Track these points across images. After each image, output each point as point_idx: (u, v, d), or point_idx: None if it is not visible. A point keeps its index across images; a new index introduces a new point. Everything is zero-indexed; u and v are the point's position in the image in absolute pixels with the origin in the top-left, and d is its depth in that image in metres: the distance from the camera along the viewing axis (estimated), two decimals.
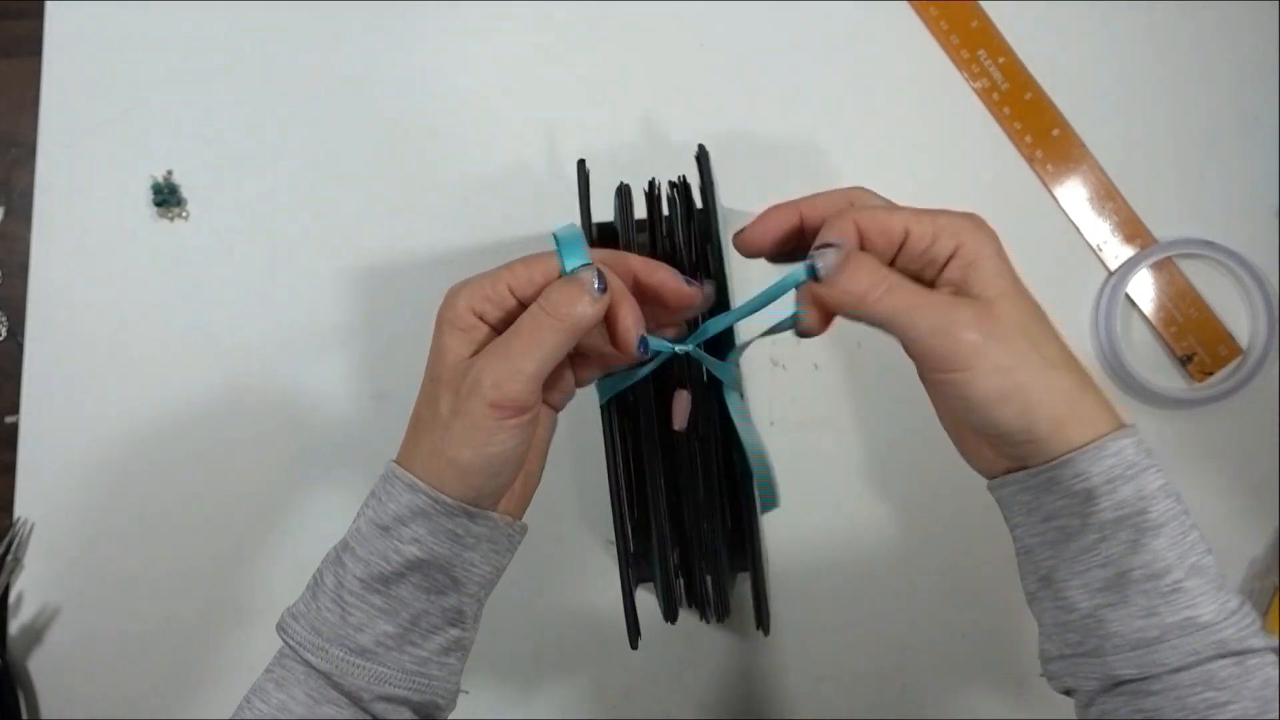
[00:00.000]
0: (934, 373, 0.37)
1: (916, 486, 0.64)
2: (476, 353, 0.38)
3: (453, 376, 0.38)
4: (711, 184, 0.47)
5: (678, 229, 0.47)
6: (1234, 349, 0.65)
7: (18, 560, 0.63)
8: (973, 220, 0.38)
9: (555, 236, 0.39)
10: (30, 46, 0.66)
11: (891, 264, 0.38)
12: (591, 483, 0.64)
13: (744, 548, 0.47)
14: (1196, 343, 0.65)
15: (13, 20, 0.67)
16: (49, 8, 0.67)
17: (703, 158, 0.48)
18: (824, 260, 0.37)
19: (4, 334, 0.65)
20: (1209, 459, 0.65)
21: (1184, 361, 0.65)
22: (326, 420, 0.64)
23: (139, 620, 0.63)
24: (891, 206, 0.39)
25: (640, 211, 0.49)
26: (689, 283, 0.41)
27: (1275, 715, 0.34)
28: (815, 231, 0.39)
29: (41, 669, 0.63)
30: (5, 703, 0.61)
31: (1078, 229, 0.66)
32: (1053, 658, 0.39)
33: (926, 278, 0.38)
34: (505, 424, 0.37)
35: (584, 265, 0.38)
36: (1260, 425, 0.65)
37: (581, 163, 0.49)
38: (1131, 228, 0.66)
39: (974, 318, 0.36)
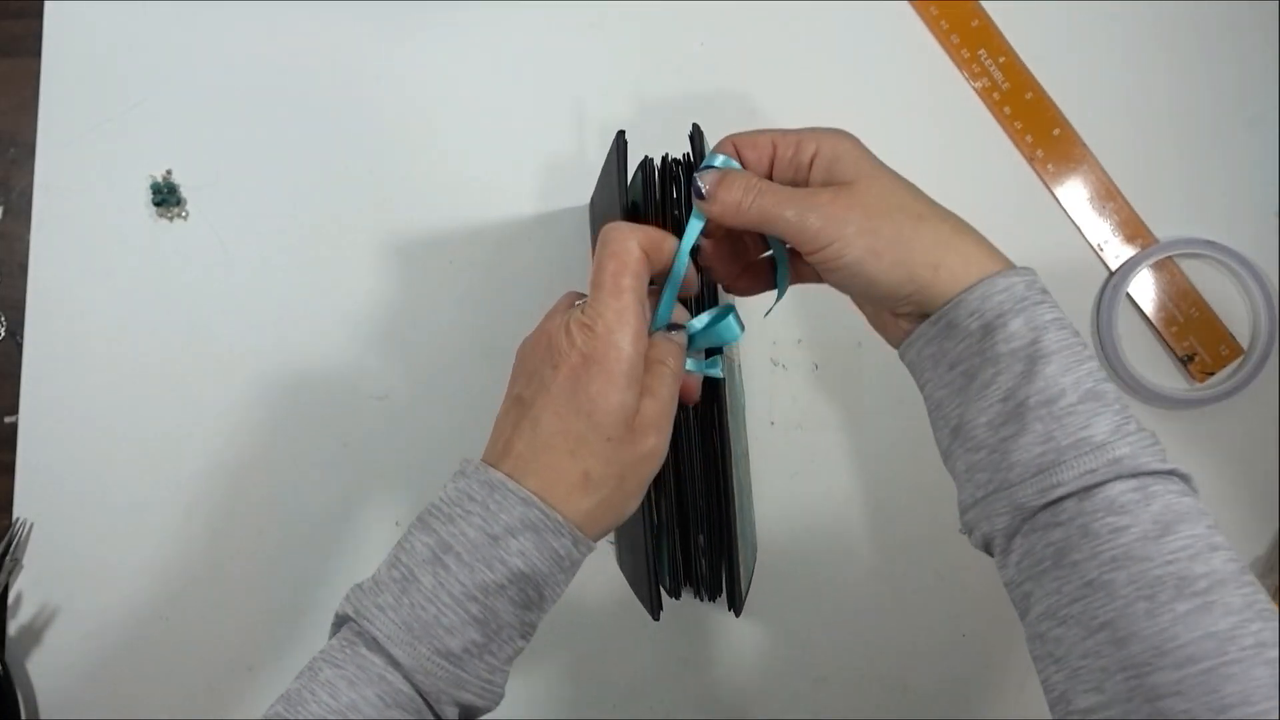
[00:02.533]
0: (813, 255, 0.40)
1: (917, 486, 0.64)
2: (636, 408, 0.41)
3: (632, 438, 0.40)
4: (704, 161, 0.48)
5: (684, 205, 0.49)
6: (1235, 349, 0.65)
7: (17, 560, 0.63)
8: (831, 129, 0.42)
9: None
10: (30, 46, 0.66)
11: (769, 177, 0.42)
12: None
13: (722, 529, 0.48)
14: (1197, 343, 0.65)
15: (12, 20, 0.67)
16: (49, 8, 0.67)
17: (696, 136, 0.48)
18: (703, 179, 0.42)
19: (4, 334, 0.65)
20: (1209, 459, 0.65)
21: (1185, 361, 0.65)
22: (327, 420, 0.64)
23: (139, 620, 0.63)
24: (761, 129, 0.43)
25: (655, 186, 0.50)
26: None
27: (1173, 538, 0.34)
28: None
29: (41, 669, 0.63)
30: (5, 703, 0.61)
31: (1078, 229, 0.66)
32: (968, 506, 0.40)
33: (800, 181, 0.42)
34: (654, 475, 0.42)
35: (680, 329, 0.44)
36: (1261, 425, 0.65)
37: (621, 134, 0.49)
38: (1132, 227, 0.66)
39: (833, 195, 0.39)
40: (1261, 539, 0.64)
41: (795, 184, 0.42)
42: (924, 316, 0.40)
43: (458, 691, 0.39)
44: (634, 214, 0.49)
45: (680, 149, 0.49)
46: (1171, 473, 0.36)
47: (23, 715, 0.62)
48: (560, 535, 0.39)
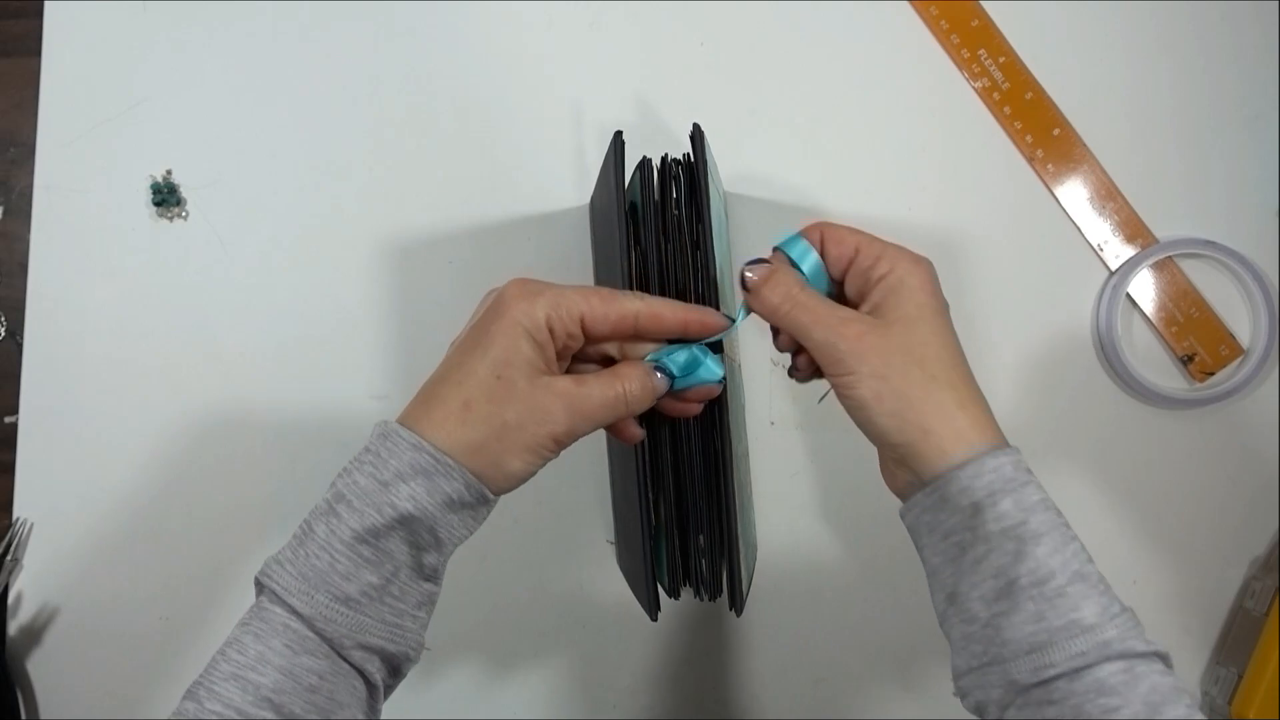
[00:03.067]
0: (829, 378, 0.43)
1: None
2: (544, 369, 0.41)
3: (526, 390, 0.41)
4: (705, 163, 0.48)
5: (683, 205, 0.49)
6: (1235, 349, 0.65)
7: (17, 560, 0.63)
8: (915, 256, 0.43)
9: (663, 360, 0.44)
10: (30, 46, 0.66)
11: (842, 280, 0.44)
12: (590, 485, 0.64)
13: (723, 530, 0.48)
14: (1197, 343, 0.65)
15: (12, 20, 0.67)
16: (48, 8, 0.67)
17: (697, 137, 0.48)
18: (751, 273, 0.44)
19: (4, 334, 0.65)
20: (1209, 459, 0.65)
21: (1185, 361, 0.65)
22: (326, 420, 0.64)
23: (139, 620, 0.63)
24: (854, 229, 0.44)
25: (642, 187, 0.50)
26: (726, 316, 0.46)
27: (1164, 717, 0.36)
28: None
29: (41, 669, 0.63)
30: (5, 703, 0.61)
31: (1078, 229, 0.66)
32: (962, 673, 0.41)
33: (863, 295, 0.44)
34: (552, 456, 0.42)
35: (665, 375, 0.44)
36: (1260, 425, 0.65)
37: (618, 135, 0.49)
38: (1132, 227, 0.66)
39: (864, 330, 0.41)
40: (1261, 539, 0.64)
41: (862, 293, 0.44)
42: (914, 473, 0.42)
43: (361, 635, 0.40)
44: (632, 215, 0.49)
45: (681, 149, 0.49)
46: (1154, 654, 0.38)
47: (23, 715, 0.62)
48: (451, 478, 0.40)
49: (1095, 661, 0.37)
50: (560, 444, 0.42)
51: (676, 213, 0.49)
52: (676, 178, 0.49)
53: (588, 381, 0.42)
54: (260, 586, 0.41)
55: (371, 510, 0.40)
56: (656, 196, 0.49)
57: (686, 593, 0.51)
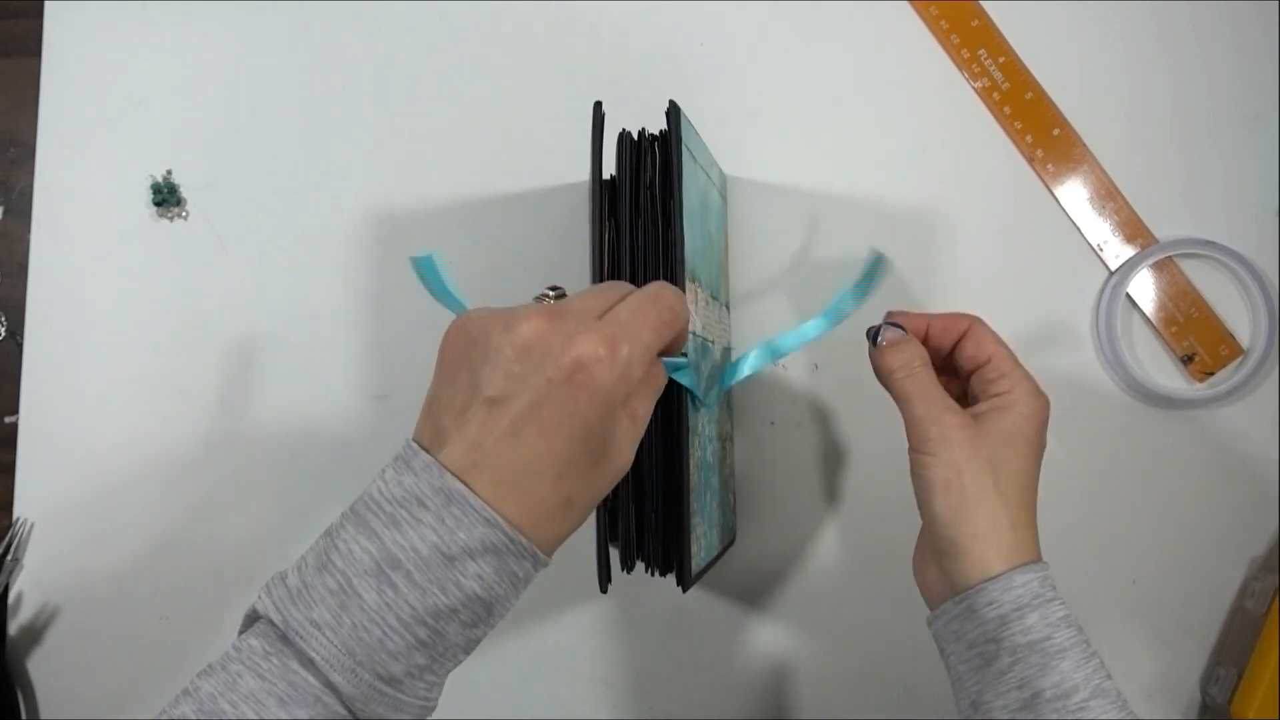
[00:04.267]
0: (911, 450, 0.45)
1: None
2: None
3: (615, 460, 0.39)
4: (680, 140, 0.48)
5: (656, 184, 0.49)
6: (1235, 349, 0.65)
7: (17, 560, 0.63)
8: (1037, 390, 0.47)
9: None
10: (30, 46, 0.66)
11: (966, 377, 0.49)
12: None
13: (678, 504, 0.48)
14: (1197, 343, 0.65)
15: (12, 20, 0.67)
16: (49, 8, 0.67)
17: (672, 113, 0.48)
18: (885, 334, 0.48)
19: (4, 334, 0.65)
20: (1209, 459, 0.65)
21: (1185, 361, 0.65)
22: (327, 421, 0.64)
23: (139, 620, 0.63)
24: (999, 339, 0.49)
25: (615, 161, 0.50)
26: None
27: None
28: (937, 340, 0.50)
29: (41, 669, 0.63)
30: (5, 703, 0.61)
31: (1078, 229, 0.66)
32: None
33: (974, 399, 0.48)
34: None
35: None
36: (1260, 425, 0.65)
37: (598, 105, 0.49)
38: (1132, 227, 0.66)
39: (959, 424, 0.44)
40: (1261, 539, 0.64)
41: (975, 398, 0.47)
42: (948, 575, 0.44)
43: (394, 713, 0.36)
44: (612, 188, 0.49)
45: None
46: None
47: (23, 715, 0.62)
48: (523, 559, 0.36)
49: None
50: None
51: (649, 189, 0.49)
52: (651, 151, 0.49)
53: (636, 411, 0.40)
54: (274, 629, 0.36)
55: (434, 589, 0.35)
56: (632, 170, 0.49)
57: (691, 586, 0.51)
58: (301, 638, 0.35)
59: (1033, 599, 0.42)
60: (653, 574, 0.50)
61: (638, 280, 0.48)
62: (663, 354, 0.42)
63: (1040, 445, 0.46)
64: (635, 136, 0.50)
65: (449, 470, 0.36)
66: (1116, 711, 0.40)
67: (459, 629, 0.36)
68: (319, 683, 0.35)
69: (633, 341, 0.37)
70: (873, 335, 0.49)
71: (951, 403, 0.46)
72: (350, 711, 0.35)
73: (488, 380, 0.36)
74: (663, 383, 0.42)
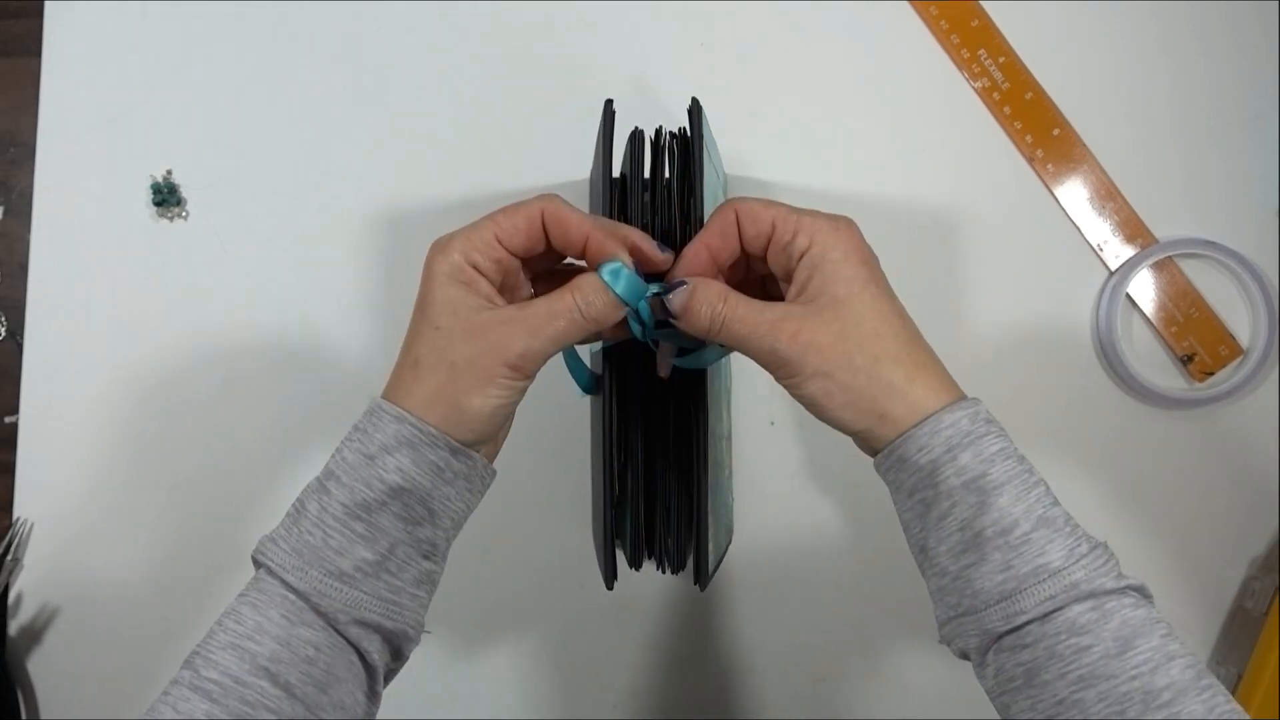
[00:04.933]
0: (777, 381, 0.42)
1: None
2: (482, 304, 0.41)
3: (468, 327, 0.41)
4: (701, 139, 0.48)
5: (674, 181, 0.49)
6: (1234, 349, 0.65)
7: (18, 560, 0.63)
8: (833, 222, 0.42)
9: (607, 267, 0.42)
10: (30, 46, 0.66)
11: (764, 256, 0.43)
12: (582, 483, 0.64)
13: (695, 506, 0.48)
14: (1197, 343, 0.65)
15: (12, 20, 0.67)
16: (49, 8, 0.67)
17: (695, 111, 0.48)
18: (673, 300, 0.43)
19: (4, 334, 0.65)
20: (1209, 459, 0.65)
21: (1184, 361, 0.65)
22: (327, 420, 0.64)
23: (139, 620, 0.63)
24: (768, 202, 0.43)
25: (645, 159, 0.50)
26: (661, 249, 0.44)
27: (1133, 653, 0.36)
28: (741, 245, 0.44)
29: (41, 669, 0.63)
30: (5, 703, 0.61)
31: (1078, 229, 0.66)
32: (942, 623, 0.42)
33: (788, 272, 0.42)
34: (516, 384, 0.41)
35: (616, 268, 0.42)
36: (1260, 425, 0.65)
37: (609, 103, 0.49)
38: (1132, 227, 0.66)
39: (795, 329, 0.40)
40: (1261, 539, 0.64)
41: (786, 271, 0.42)
42: (880, 446, 0.42)
43: (356, 611, 0.40)
44: (623, 186, 0.50)
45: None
46: (1125, 589, 0.38)
47: (23, 715, 0.62)
48: (436, 447, 0.40)
49: (1064, 603, 0.37)
50: (519, 368, 0.41)
51: (666, 186, 0.49)
52: (670, 150, 0.49)
53: (535, 301, 0.42)
54: (256, 563, 0.41)
55: (360, 485, 0.40)
56: (648, 168, 0.49)
57: (649, 564, 0.51)
58: (263, 553, 0.41)
59: (963, 437, 0.39)
60: (664, 571, 0.50)
61: (661, 275, 0.47)
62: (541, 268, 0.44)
63: (874, 273, 0.41)
64: (652, 135, 0.50)
65: (384, 395, 0.42)
66: (1063, 539, 0.38)
67: (395, 522, 0.40)
68: (280, 585, 0.40)
69: (456, 232, 0.42)
70: (663, 309, 0.43)
71: (776, 310, 0.41)
72: (313, 608, 0.40)
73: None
74: (586, 298, 0.41)
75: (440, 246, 0.42)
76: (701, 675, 0.64)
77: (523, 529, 0.64)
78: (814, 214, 0.42)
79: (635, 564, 0.51)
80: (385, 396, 0.42)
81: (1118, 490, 0.64)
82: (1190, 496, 0.64)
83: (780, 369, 0.41)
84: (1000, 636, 0.39)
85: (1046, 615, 0.37)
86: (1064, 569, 0.38)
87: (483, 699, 0.64)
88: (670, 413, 0.49)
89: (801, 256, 0.41)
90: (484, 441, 0.43)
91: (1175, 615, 0.64)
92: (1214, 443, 0.65)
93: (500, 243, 0.42)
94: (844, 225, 0.42)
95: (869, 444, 0.42)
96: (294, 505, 0.42)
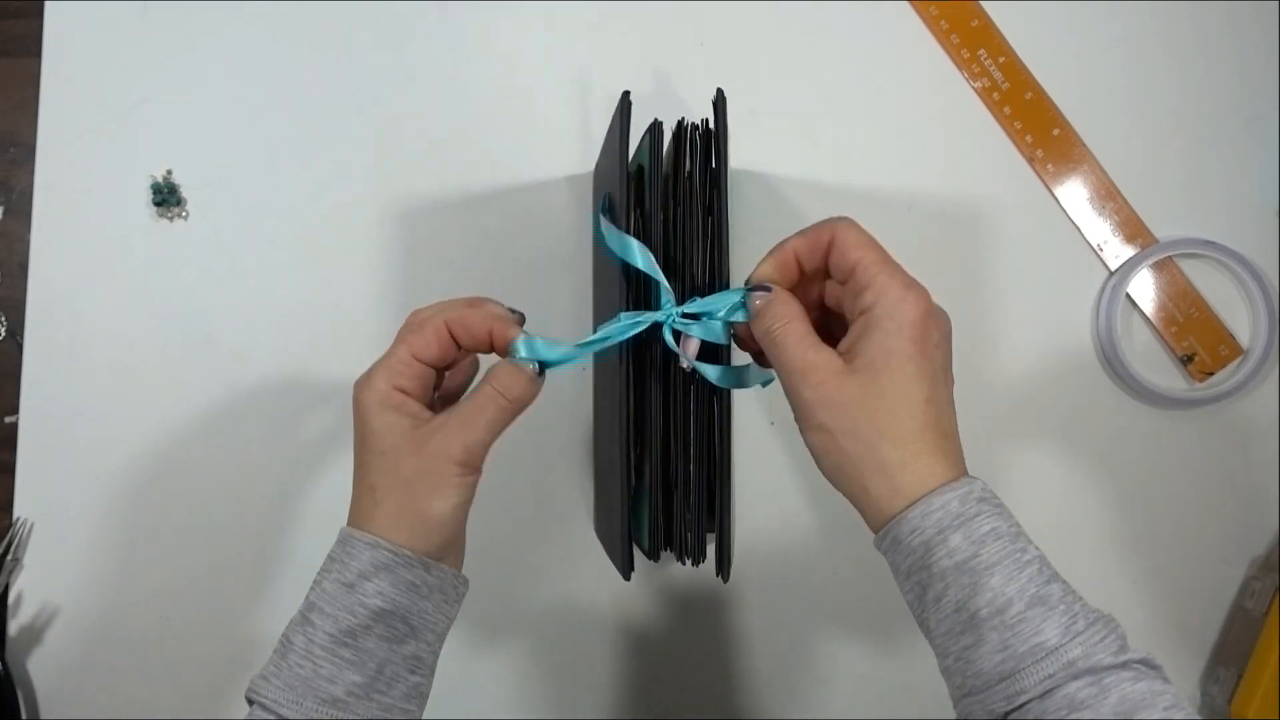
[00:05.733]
0: (794, 417, 0.43)
1: None
2: (416, 420, 0.44)
3: (410, 444, 0.43)
4: (726, 131, 0.48)
5: (695, 174, 0.49)
6: (1234, 349, 0.65)
7: (18, 560, 0.63)
8: (906, 289, 0.42)
9: (516, 345, 0.45)
10: (30, 46, 0.66)
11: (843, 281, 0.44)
12: (583, 482, 0.64)
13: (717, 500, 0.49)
14: (1197, 343, 0.65)
15: (12, 20, 0.67)
16: (49, 8, 0.67)
17: (719, 104, 0.48)
18: (753, 302, 0.45)
19: (4, 334, 0.65)
20: (1209, 459, 0.65)
21: (1184, 361, 0.65)
22: (327, 420, 0.64)
23: (139, 620, 0.63)
24: (864, 242, 0.43)
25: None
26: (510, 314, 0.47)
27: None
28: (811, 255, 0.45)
29: (41, 669, 0.63)
30: (5, 703, 0.61)
31: (1078, 229, 0.66)
32: (954, 701, 0.42)
33: (852, 317, 0.43)
34: (467, 479, 0.44)
35: (523, 357, 0.45)
36: (1260, 425, 0.65)
37: (625, 95, 0.49)
38: (1132, 227, 0.66)
39: (823, 380, 0.41)
40: (1261, 539, 0.64)
41: (850, 316, 0.43)
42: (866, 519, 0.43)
43: None
44: (639, 180, 0.49)
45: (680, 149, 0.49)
46: (1124, 664, 0.38)
47: (23, 715, 0.62)
48: (411, 566, 0.42)
49: (1062, 681, 0.37)
50: (466, 464, 0.43)
51: (689, 178, 0.48)
52: (693, 143, 0.49)
53: (459, 402, 0.44)
54: (250, 703, 0.42)
55: (344, 613, 0.42)
56: (669, 160, 0.49)
57: (667, 556, 0.51)
58: (256, 692, 0.42)
59: (954, 519, 0.39)
60: (685, 563, 0.50)
61: (681, 267, 0.49)
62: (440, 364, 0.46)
63: (922, 349, 0.41)
64: (675, 126, 0.50)
65: (350, 525, 0.44)
66: (1059, 616, 0.38)
67: (379, 643, 0.42)
68: None
69: (375, 364, 0.45)
70: (743, 305, 0.45)
71: (818, 356, 0.42)
72: None
73: None
74: (508, 386, 0.44)
75: (365, 382, 0.45)
76: (701, 675, 0.64)
77: (522, 528, 0.64)
78: (893, 273, 0.42)
79: (654, 556, 0.51)
80: (351, 525, 0.44)
81: (1118, 490, 0.64)
82: (1190, 496, 0.64)
83: (797, 407, 0.43)
84: (1006, 715, 0.39)
85: (1046, 693, 0.38)
86: (1061, 646, 0.38)
87: (483, 699, 0.64)
88: (690, 403, 0.49)
89: (864, 313, 0.42)
90: (450, 550, 0.45)
91: (1176, 615, 0.64)
92: (1214, 443, 0.65)
93: (417, 359, 0.45)
94: (913, 295, 0.42)
95: (865, 519, 0.43)
96: (280, 642, 0.43)
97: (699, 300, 0.46)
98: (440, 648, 0.45)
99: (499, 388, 0.44)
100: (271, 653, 0.43)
